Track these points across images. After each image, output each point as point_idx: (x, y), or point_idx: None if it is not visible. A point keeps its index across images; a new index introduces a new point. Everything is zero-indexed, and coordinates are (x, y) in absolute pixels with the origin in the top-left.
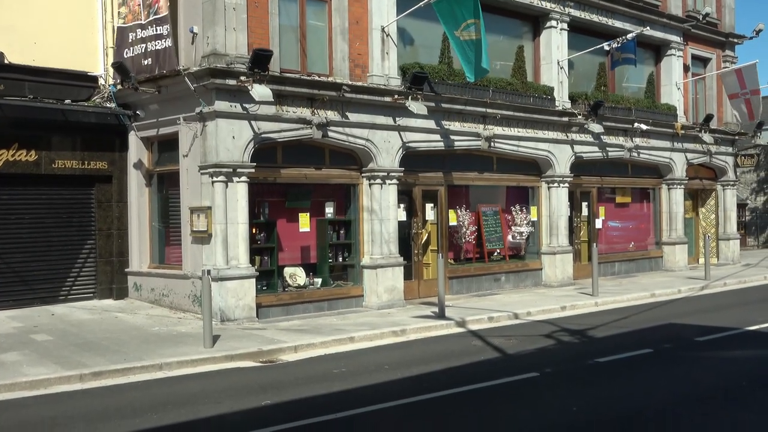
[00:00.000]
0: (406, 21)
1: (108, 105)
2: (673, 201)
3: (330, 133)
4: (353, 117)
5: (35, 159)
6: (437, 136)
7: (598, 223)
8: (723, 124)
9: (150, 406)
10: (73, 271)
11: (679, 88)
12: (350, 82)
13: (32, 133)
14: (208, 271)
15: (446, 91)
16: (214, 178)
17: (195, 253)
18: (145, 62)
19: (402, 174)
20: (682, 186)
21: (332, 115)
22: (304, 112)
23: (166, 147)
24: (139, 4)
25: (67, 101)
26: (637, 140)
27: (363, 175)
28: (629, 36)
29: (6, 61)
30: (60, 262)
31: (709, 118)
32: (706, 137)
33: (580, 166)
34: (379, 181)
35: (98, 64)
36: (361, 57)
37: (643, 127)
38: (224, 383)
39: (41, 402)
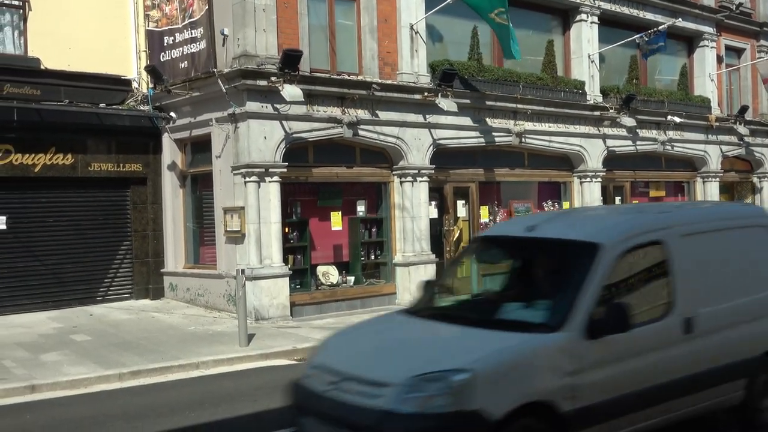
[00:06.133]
0: (434, 18)
1: (142, 108)
2: (708, 194)
3: (360, 132)
4: (383, 115)
5: (72, 162)
6: (468, 133)
7: None
8: (759, 115)
9: (187, 404)
10: (110, 272)
11: (712, 80)
12: (380, 81)
13: (69, 136)
14: (243, 271)
15: (476, 87)
16: (247, 179)
17: (229, 252)
18: (182, 65)
19: (433, 171)
20: (717, 179)
21: (362, 113)
22: (335, 111)
23: (199, 148)
24: (176, 9)
25: (102, 105)
26: (671, 133)
27: (394, 172)
28: (661, 28)
29: (42, 67)
30: (97, 263)
31: (744, 109)
32: (742, 129)
33: (612, 161)
34: (410, 178)
35: (131, 67)
36: (390, 55)
37: (677, 119)
38: (260, 381)
39: (82, 401)
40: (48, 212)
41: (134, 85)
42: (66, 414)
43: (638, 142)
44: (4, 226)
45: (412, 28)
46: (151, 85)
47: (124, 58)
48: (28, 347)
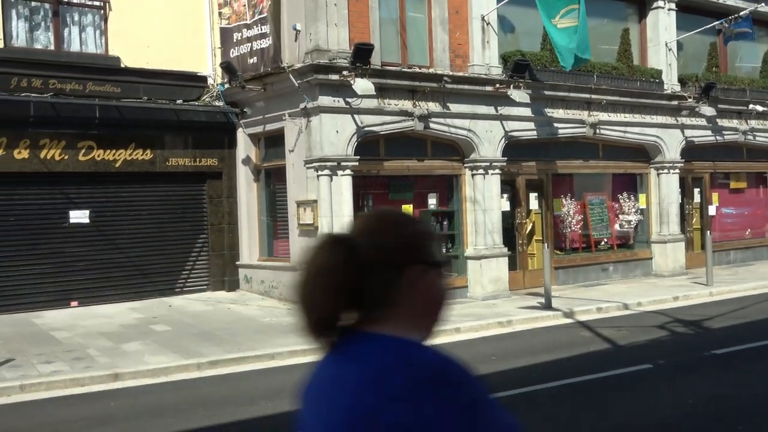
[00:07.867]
0: (506, 9)
1: (217, 104)
2: None
3: (431, 125)
4: (454, 107)
5: (150, 158)
6: (540, 125)
7: (712, 210)
8: None
9: (264, 394)
10: (188, 264)
11: None
12: (451, 73)
13: (147, 132)
14: None
15: (549, 78)
16: (319, 172)
17: (302, 245)
18: (251, 61)
19: (504, 164)
20: None
21: (433, 106)
22: (406, 105)
23: (272, 143)
24: (245, 5)
25: (179, 101)
26: (753, 123)
27: (465, 165)
28: (743, 13)
29: (122, 65)
30: (176, 256)
31: None
32: None
33: (691, 151)
34: (481, 171)
35: (207, 64)
36: (462, 47)
37: (759, 108)
38: None
39: (163, 389)
40: (129, 206)
41: (209, 81)
42: (148, 402)
43: (718, 132)
44: (87, 220)
45: (483, 19)
46: (223, 81)
47: (200, 55)
48: (111, 337)
